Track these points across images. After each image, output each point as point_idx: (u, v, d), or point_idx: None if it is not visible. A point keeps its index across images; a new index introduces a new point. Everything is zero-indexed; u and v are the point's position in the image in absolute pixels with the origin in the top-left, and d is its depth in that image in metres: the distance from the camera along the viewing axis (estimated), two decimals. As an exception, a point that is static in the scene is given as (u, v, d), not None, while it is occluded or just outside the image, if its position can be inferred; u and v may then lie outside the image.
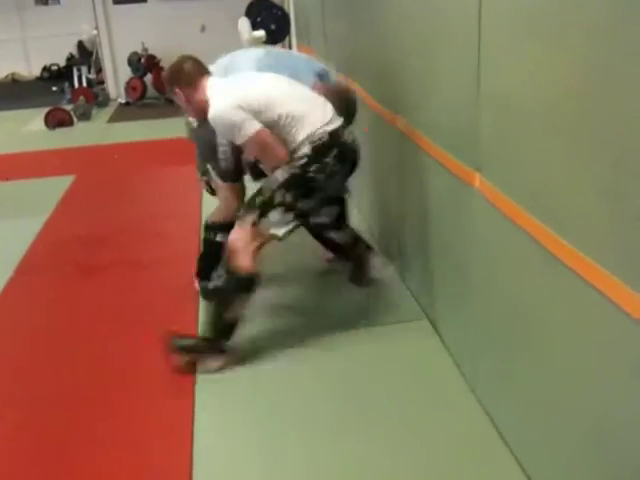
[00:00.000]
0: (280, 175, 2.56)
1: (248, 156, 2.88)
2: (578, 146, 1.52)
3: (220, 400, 2.49)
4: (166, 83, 2.79)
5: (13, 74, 12.26)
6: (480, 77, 2.02)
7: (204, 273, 3.16)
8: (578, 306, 1.58)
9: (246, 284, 2.60)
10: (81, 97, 8.11)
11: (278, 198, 2.55)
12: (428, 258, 2.81)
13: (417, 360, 2.65)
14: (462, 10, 2.11)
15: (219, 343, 2.67)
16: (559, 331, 1.70)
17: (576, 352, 1.63)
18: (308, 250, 3.43)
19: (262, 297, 2.76)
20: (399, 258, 3.30)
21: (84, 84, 8.80)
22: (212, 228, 3.16)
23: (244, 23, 7.15)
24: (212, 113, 2.54)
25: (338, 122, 2.63)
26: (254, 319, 2.84)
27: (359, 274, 3.16)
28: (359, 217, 4.04)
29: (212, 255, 3.02)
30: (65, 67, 11.07)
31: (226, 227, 2.82)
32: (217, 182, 3.14)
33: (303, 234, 3.11)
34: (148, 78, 8.84)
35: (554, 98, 1.60)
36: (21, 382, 2.68)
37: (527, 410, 1.96)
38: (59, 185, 5.17)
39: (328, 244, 3.28)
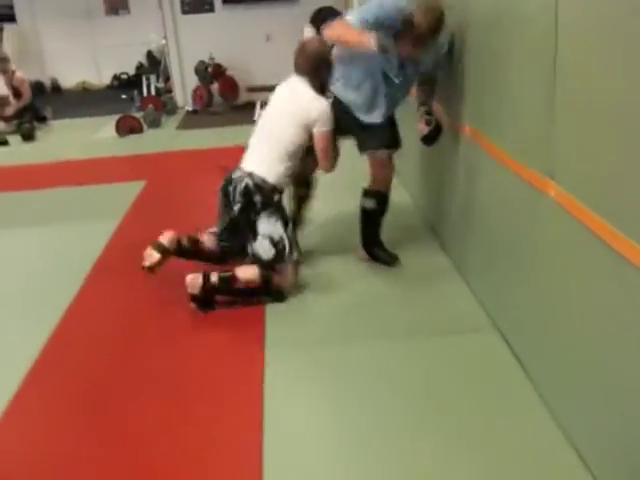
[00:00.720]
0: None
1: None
2: None
3: (290, 402, 2.54)
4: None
5: (84, 82, 12.70)
6: (556, 82, 2.01)
7: (368, 240, 3.60)
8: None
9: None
10: (150, 105, 8.35)
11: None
12: (498, 267, 2.81)
13: (486, 368, 2.64)
14: (538, 12, 2.11)
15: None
16: (638, 342, 1.68)
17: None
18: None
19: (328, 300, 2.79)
20: (466, 266, 3.30)
21: (153, 92, 9.05)
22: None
23: (309, 32, 7.27)
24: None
25: None
26: (321, 322, 2.88)
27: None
28: (424, 224, 4.06)
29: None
30: (134, 76, 11.39)
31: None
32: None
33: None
34: (214, 86, 9.04)
35: (636, 103, 1.58)
36: (95, 382, 2.79)
37: (605, 427, 1.93)
38: (130, 190, 5.35)
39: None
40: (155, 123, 8.10)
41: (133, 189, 5.38)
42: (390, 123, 3.38)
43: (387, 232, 3.65)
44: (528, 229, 2.39)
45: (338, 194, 4.32)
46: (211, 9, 9.19)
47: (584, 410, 2.04)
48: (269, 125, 3.30)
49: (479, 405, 2.41)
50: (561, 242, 2.10)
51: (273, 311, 3.18)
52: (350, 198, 3.77)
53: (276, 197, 3.22)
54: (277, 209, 3.22)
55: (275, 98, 3.37)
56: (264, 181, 3.18)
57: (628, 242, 1.64)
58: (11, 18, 12.18)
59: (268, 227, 3.18)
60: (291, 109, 3.22)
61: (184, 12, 9.20)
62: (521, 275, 2.51)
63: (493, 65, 2.65)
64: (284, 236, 3.19)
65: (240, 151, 3.42)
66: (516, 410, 2.36)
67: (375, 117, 3.31)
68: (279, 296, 3.24)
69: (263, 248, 3.17)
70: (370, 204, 3.49)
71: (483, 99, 2.83)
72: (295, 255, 3.31)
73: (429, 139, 3.33)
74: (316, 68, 3.23)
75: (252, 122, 8.10)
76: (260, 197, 3.16)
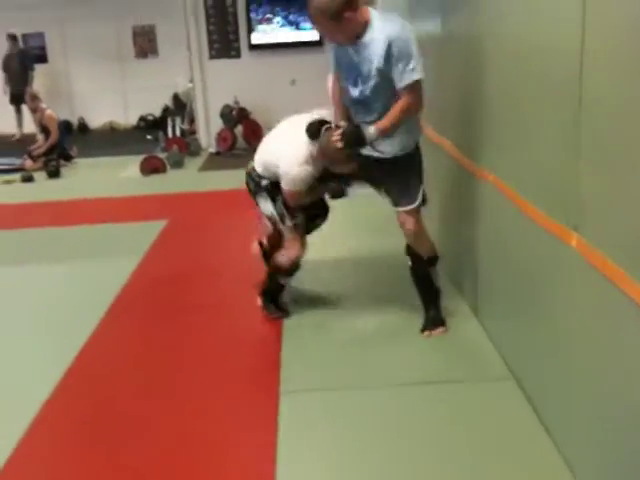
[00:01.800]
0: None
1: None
2: None
3: (304, 441, 2.51)
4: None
5: (111, 122, 12.95)
6: (581, 127, 1.99)
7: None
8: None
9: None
10: (174, 146, 8.48)
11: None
12: (517, 315, 2.78)
13: (502, 417, 2.59)
14: (561, 50, 2.10)
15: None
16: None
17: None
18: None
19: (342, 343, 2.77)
20: (484, 312, 3.27)
21: (177, 134, 9.21)
22: None
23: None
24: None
25: None
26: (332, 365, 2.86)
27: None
28: (444, 269, 4.04)
29: None
30: (160, 117, 11.61)
31: None
32: None
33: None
34: (238, 130, 9.17)
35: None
36: (110, 415, 2.78)
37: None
38: (153, 229, 5.40)
39: None
40: (178, 164, 8.22)
41: (155, 228, 5.43)
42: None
43: (407, 277, 3.64)
44: (548, 279, 2.37)
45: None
46: (237, 55, 9.38)
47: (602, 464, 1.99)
48: (271, 137, 3.54)
49: (494, 457, 2.36)
50: (583, 293, 2.07)
51: (289, 356, 3.16)
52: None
53: (263, 182, 3.42)
54: (266, 190, 3.43)
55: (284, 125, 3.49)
56: (254, 169, 3.48)
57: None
58: (43, 59, 12.52)
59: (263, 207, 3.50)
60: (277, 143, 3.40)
61: (211, 57, 9.40)
62: (541, 324, 2.48)
63: (515, 109, 2.65)
64: (274, 212, 3.43)
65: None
66: (532, 463, 2.31)
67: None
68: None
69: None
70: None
71: (504, 143, 2.82)
72: (297, 220, 3.41)
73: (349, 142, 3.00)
74: None
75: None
76: (253, 183, 3.50)
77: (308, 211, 3.46)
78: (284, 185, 3.28)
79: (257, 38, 9.26)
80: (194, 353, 3.28)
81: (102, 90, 12.60)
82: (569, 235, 2.10)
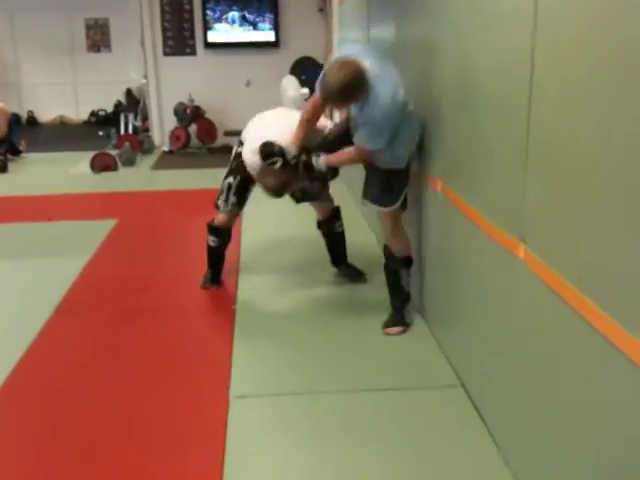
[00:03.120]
0: None
1: None
2: (632, 220, 1.49)
3: (253, 453, 2.49)
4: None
5: (62, 117, 12.68)
6: (529, 144, 2.04)
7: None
8: (624, 386, 1.57)
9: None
10: (126, 143, 8.34)
11: None
12: (468, 328, 2.81)
13: (448, 424, 2.62)
14: (513, 74, 2.15)
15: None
16: (606, 411, 1.68)
17: (625, 434, 1.61)
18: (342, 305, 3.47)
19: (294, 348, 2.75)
20: (436, 324, 3.31)
21: (130, 131, 9.06)
22: None
23: (290, 80, 7.38)
24: None
25: None
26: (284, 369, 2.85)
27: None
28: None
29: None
30: (112, 113, 11.43)
31: None
32: None
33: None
34: (192, 128, 9.08)
35: (609, 169, 1.59)
36: (54, 419, 2.71)
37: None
38: (101, 228, 5.29)
39: None
40: (130, 162, 8.08)
41: (104, 227, 5.33)
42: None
43: (360, 285, 3.66)
44: (497, 289, 2.40)
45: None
46: (193, 52, 9.28)
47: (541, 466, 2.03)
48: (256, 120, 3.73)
49: (439, 458, 2.39)
50: (528, 304, 2.11)
51: (239, 361, 3.14)
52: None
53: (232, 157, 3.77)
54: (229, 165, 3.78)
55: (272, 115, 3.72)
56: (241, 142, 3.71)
57: (600, 313, 1.64)
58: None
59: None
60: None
61: (166, 54, 9.27)
62: (488, 334, 2.52)
63: (467, 122, 2.69)
64: (224, 183, 3.74)
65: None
66: (475, 465, 2.35)
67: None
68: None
69: None
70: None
71: (458, 156, 2.85)
72: (223, 208, 3.77)
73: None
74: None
75: (228, 165, 8.17)
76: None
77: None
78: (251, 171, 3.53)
79: (213, 36, 9.18)
80: (141, 357, 3.23)
81: (53, 83, 12.35)
82: (517, 246, 2.14)
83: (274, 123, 3.55)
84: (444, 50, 2.98)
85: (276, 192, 3.39)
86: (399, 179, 3.25)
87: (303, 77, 7.54)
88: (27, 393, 2.93)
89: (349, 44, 3.26)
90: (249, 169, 3.54)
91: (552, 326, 1.95)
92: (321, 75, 3.06)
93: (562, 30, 1.82)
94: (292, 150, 3.28)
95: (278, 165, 3.27)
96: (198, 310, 3.75)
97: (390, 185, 3.23)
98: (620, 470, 1.61)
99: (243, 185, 3.69)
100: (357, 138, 3.11)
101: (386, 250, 3.40)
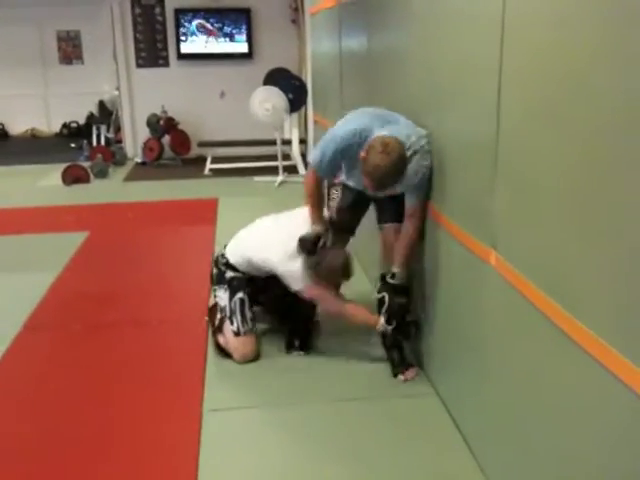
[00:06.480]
0: None
1: None
2: (594, 227, 1.53)
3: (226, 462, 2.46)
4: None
5: (33, 129, 12.53)
6: (498, 156, 2.06)
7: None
8: (591, 388, 1.58)
9: None
10: (99, 155, 8.25)
11: None
12: (441, 335, 2.81)
13: (422, 430, 2.62)
14: (482, 91, 2.17)
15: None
16: (575, 413, 1.68)
17: (591, 435, 1.61)
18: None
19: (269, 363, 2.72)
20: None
21: (102, 143, 8.98)
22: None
23: (262, 92, 7.38)
24: None
25: None
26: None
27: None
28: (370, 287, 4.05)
29: None
30: (85, 125, 11.32)
31: None
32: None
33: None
34: (165, 139, 9.03)
35: (571, 180, 1.62)
36: (24, 439, 2.65)
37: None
38: (72, 241, 5.22)
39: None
40: (102, 173, 7.99)
41: (75, 240, 5.25)
42: None
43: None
44: (470, 295, 2.41)
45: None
46: (166, 64, 9.24)
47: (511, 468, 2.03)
48: (253, 228, 3.39)
49: (413, 462, 2.38)
50: (500, 311, 2.12)
51: (213, 374, 3.11)
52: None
53: (228, 274, 3.29)
54: (227, 283, 3.29)
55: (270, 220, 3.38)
56: (223, 256, 3.33)
57: (568, 316, 1.65)
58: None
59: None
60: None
61: (138, 65, 9.22)
62: (460, 341, 2.52)
63: (440, 131, 2.70)
64: (227, 306, 3.26)
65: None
66: (449, 468, 2.34)
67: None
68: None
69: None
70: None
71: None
72: (243, 329, 3.22)
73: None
74: None
75: (202, 176, 8.17)
76: (216, 271, 3.36)
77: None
78: (295, 287, 3.09)
79: (186, 47, 9.15)
80: (113, 372, 3.17)
81: (23, 96, 12.20)
82: (488, 253, 2.15)
83: (273, 229, 3.29)
84: (411, 60, 2.99)
85: (348, 264, 3.17)
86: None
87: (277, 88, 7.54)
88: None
89: (353, 113, 3.08)
90: (290, 281, 3.08)
91: (522, 331, 1.95)
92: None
93: (528, 41, 1.84)
94: (319, 229, 3.08)
95: (329, 243, 3.08)
96: (170, 323, 3.69)
97: (399, 202, 3.05)
98: (594, 478, 1.62)
99: (254, 297, 3.33)
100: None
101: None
